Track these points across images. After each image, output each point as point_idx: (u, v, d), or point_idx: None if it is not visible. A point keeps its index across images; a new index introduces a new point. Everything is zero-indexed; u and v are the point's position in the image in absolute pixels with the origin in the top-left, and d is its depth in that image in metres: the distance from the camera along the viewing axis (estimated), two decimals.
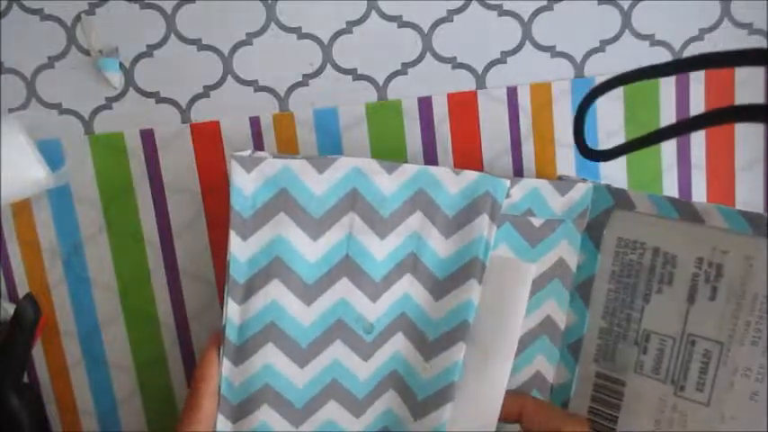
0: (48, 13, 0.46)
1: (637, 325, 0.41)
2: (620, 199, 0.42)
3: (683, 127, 0.28)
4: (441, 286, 0.41)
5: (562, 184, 0.43)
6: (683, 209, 0.40)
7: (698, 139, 0.49)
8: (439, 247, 0.41)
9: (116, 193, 0.48)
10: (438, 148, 0.49)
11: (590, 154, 0.40)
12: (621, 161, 0.49)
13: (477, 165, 0.49)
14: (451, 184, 0.40)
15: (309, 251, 0.40)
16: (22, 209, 0.48)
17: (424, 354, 0.41)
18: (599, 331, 0.43)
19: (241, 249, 0.39)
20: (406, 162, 0.41)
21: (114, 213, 0.48)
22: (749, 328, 0.37)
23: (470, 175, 0.40)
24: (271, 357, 0.39)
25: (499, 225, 0.42)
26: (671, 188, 0.49)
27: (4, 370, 0.44)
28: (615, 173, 0.49)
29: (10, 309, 0.46)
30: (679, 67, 0.30)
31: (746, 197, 0.49)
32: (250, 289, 0.39)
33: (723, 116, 0.25)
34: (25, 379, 0.49)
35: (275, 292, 0.39)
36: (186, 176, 0.48)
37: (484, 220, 0.40)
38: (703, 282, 0.39)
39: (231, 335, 0.39)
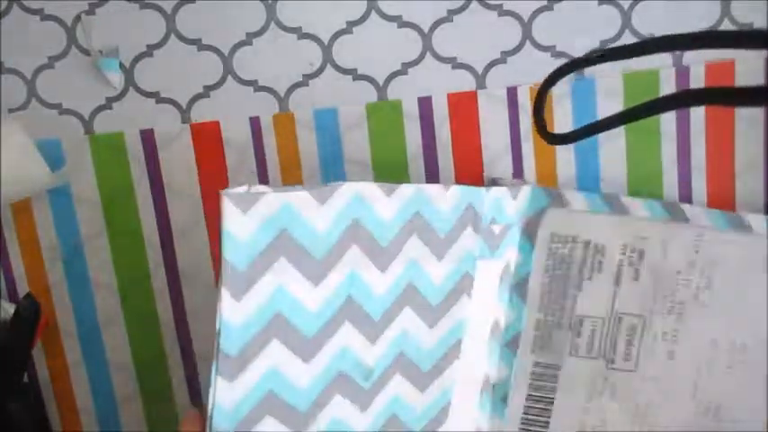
0: (48, 13, 0.46)
1: (570, 312, 0.45)
2: (555, 198, 0.45)
3: (653, 107, 0.28)
4: (435, 312, 0.39)
5: (514, 188, 0.43)
6: (613, 203, 0.45)
7: (698, 138, 0.49)
8: (433, 271, 0.39)
9: (116, 193, 0.48)
10: (438, 148, 0.49)
11: (551, 138, 0.40)
12: (622, 161, 0.49)
13: (477, 165, 0.49)
14: (443, 201, 0.38)
15: (311, 299, 0.34)
16: (22, 209, 0.48)
17: (421, 386, 0.40)
18: (535, 323, 0.45)
19: (235, 313, 0.32)
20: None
21: (114, 213, 0.48)
22: (665, 301, 0.44)
23: (456, 190, 0.38)
24: (269, 430, 0.33)
25: (479, 237, 0.41)
26: (671, 188, 0.49)
27: (4, 370, 0.44)
28: (615, 173, 0.49)
29: (10, 309, 0.46)
30: (652, 46, 0.29)
31: (746, 197, 0.49)
32: (245, 359, 0.32)
33: (688, 98, 0.25)
34: (25, 379, 0.49)
35: (274, 356, 0.33)
36: (186, 176, 0.48)
37: (469, 233, 0.40)
38: (627, 265, 0.44)
39: (222, 422, 0.32)
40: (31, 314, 0.45)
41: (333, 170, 0.49)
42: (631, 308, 0.45)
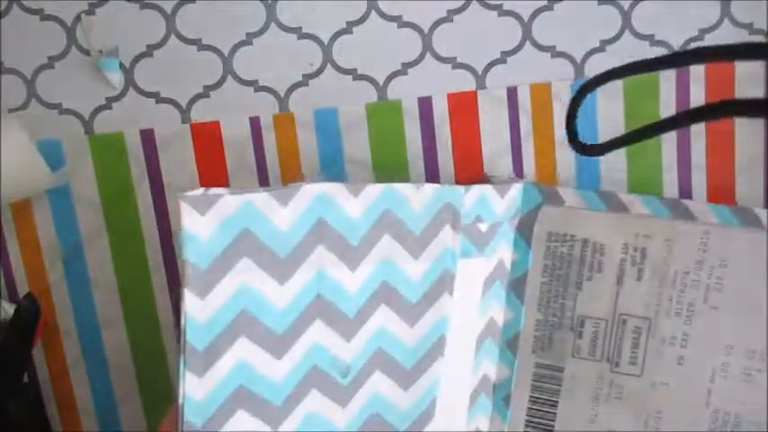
0: (48, 13, 0.46)
1: (571, 312, 0.44)
2: (548, 195, 0.44)
3: (680, 120, 0.28)
4: (415, 310, 0.39)
5: (502, 186, 0.43)
6: (610, 200, 0.43)
7: (698, 139, 0.49)
8: (410, 269, 0.39)
9: (116, 193, 0.48)
10: (438, 148, 0.49)
11: (583, 149, 0.40)
12: (622, 162, 0.49)
13: (477, 165, 0.49)
14: (415, 200, 0.38)
15: (278, 297, 0.34)
16: (22, 209, 0.48)
17: (403, 384, 0.40)
18: (535, 323, 0.45)
19: (200, 310, 0.32)
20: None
21: (114, 213, 0.48)
22: (672, 302, 0.42)
23: (430, 189, 0.38)
24: (242, 424, 0.34)
25: (459, 235, 0.40)
26: (671, 188, 0.49)
27: (4, 370, 0.44)
28: (615, 174, 0.49)
29: (10, 309, 0.46)
30: (673, 61, 0.30)
31: (746, 197, 0.49)
32: (213, 355, 0.33)
33: (721, 109, 0.25)
34: (25, 379, 0.49)
35: (242, 351, 0.33)
36: (186, 176, 0.48)
37: (447, 231, 0.39)
38: (630, 265, 0.43)
39: (192, 417, 0.32)
40: (31, 314, 0.45)
41: (333, 170, 0.49)
42: (636, 309, 0.43)
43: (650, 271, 0.43)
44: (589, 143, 0.42)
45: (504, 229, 0.43)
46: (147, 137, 0.48)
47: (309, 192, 0.35)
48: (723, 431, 0.42)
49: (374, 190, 0.37)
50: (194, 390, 0.32)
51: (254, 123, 0.48)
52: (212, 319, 0.32)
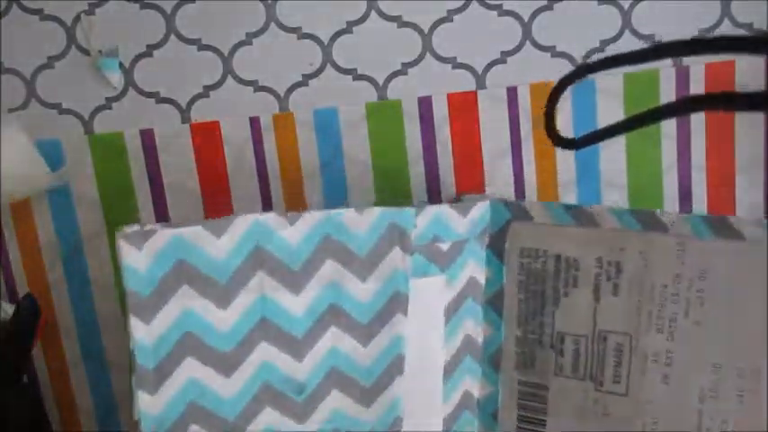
0: (48, 13, 0.46)
1: (550, 329, 0.43)
2: (517, 211, 0.44)
3: (659, 113, 0.27)
4: (367, 331, 0.40)
5: (462, 205, 0.43)
6: (578, 214, 0.42)
7: (698, 139, 0.49)
8: (358, 291, 0.40)
9: (116, 193, 0.48)
10: (438, 148, 0.49)
11: (562, 142, 0.40)
12: (622, 161, 0.49)
13: (478, 165, 0.49)
14: (357, 224, 0.39)
15: (220, 320, 0.37)
16: (22, 209, 0.48)
17: (364, 402, 0.41)
18: (515, 340, 0.44)
19: (146, 334, 0.35)
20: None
21: (114, 213, 0.48)
22: (652, 317, 0.41)
23: (374, 212, 0.40)
24: None
25: (411, 256, 0.41)
26: (671, 188, 0.49)
27: (4, 370, 0.44)
28: (616, 174, 0.49)
29: (10, 309, 0.46)
30: (656, 52, 0.29)
31: (746, 197, 0.49)
32: (162, 374, 0.36)
33: (721, 100, 0.24)
34: (25, 379, 0.49)
35: (191, 370, 0.36)
36: (186, 176, 0.48)
37: (396, 253, 0.40)
38: (605, 280, 0.42)
39: (149, 429, 0.35)
40: (30, 314, 0.45)
41: (333, 170, 0.49)
42: (615, 325, 0.42)
43: (627, 285, 0.41)
44: (568, 136, 0.41)
45: (471, 246, 0.44)
46: (147, 137, 0.48)
47: (243, 222, 0.37)
48: None
49: (311, 218, 0.38)
50: (149, 407, 0.35)
51: (254, 123, 0.48)
52: (159, 341, 0.36)
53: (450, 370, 0.44)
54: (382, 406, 0.41)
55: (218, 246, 0.37)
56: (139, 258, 0.35)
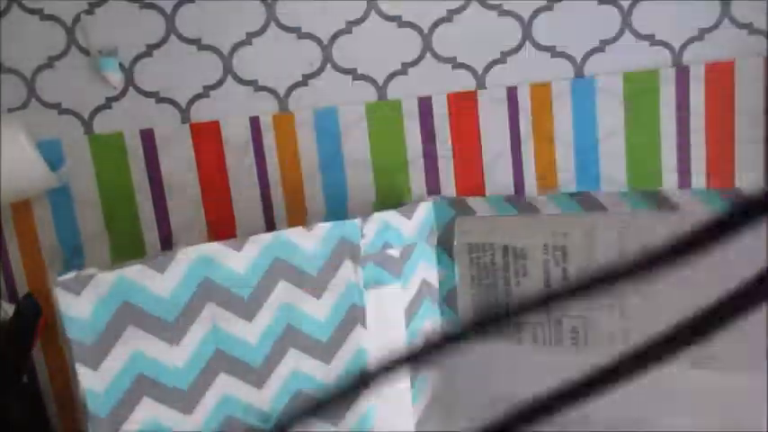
0: (48, 13, 0.46)
1: (506, 320, 0.44)
2: (460, 208, 0.44)
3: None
4: (328, 348, 0.40)
5: (406, 208, 0.43)
6: (520, 204, 0.43)
7: (698, 138, 0.49)
8: (313, 310, 0.40)
9: (116, 193, 0.48)
10: (438, 148, 0.49)
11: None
12: (622, 161, 0.49)
13: (478, 165, 0.49)
14: (305, 242, 0.39)
15: (173, 357, 0.36)
16: (22, 209, 0.48)
17: (333, 420, 0.41)
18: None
19: (95, 381, 0.34)
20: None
21: (114, 213, 0.48)
22: (602, 298, 0.41)
23: (322, 228, 0.40)
24: None
25: (363, 266, 0.41)
26: (671, 188, 0.49)
27: (4, 370, 0.44)
28: (615, 174, 0.49)
29: (10, 309, 0.46)
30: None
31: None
32: (118, 419, 0.35)
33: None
34: (25, 379, 0.49)
35: (149, 412, 0.36)
36: (186, 176, 0.48)
37: (347, 266, 0.40)
38: (554, 265, 0.43)
39: None
40: (30, 314, 0.45)
41: (332, 170, 0.49)
42: (568, 308, 0.42)
43: (574, 268, 0.42)
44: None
45: (421, 248, 0.44)
46: (147, 137, 0.48)
47: (186, 256, 0.36)
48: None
49: (259, 240, 0.38)
50: None
51: (254, 123, 0.48)
52: (110, 386, 0.35)
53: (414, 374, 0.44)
54: (352, 421, 0.41)
55: (162, 282, 0.36)
56: (80, 305, 0.35)
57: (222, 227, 0.48)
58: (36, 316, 0.46)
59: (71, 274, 0.34)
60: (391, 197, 0.49)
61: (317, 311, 0.40)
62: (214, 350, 0.38)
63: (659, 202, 0.41)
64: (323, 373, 0.40)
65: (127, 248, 0.48)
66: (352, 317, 0.40)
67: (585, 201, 0.42)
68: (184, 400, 0.37)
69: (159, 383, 0.36)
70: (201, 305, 0.37)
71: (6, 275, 0.48)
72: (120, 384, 0.35)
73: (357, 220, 0.40)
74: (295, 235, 0.39)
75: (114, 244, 0.48)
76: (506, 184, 0.49)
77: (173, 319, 0.36)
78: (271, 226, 0.49)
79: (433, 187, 0.49)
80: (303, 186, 0.49)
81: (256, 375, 0.39)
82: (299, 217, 0.49)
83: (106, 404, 0.35)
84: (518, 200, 0.43)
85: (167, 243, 0.49)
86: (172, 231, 0.49)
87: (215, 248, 0.37)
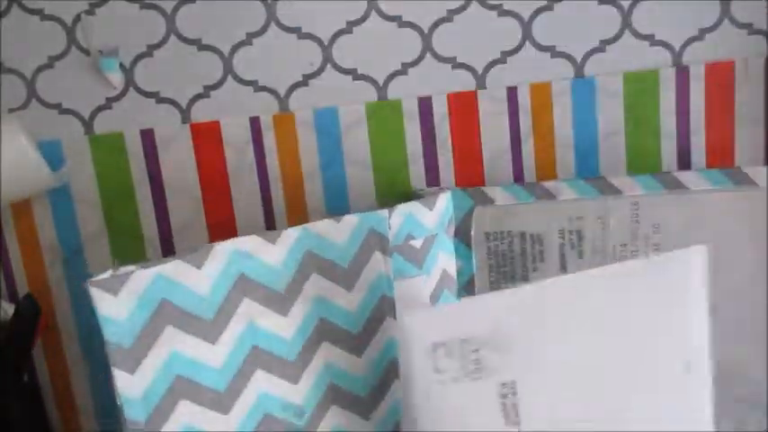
0: (48, 13, 0.46)
1: None
2: (478, 197, 0.45)
3: None
4: (359, 340, 0.40)
5: (429, 199, 0.43)
6: (536, 190, 0.45)
7: (698, 138, 0.49)
8: (345, 302, 0.39)
9: (116, 193, 0.48)
10: (438, 148, 0.49)
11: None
12: (622, 161, 0.49)
13: (477, 165, 0.49)
14: (336, 234, 0.39)
15: (212, 357, 0.35)
16: (22, 209, 0.48)
17: (363, 413, 0.40)
18: None
19: (132, 386, 0.33)
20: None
21: (114, 213, 0.48)
22: None
23: (351, 220, 0.39)
24: None
25: (390, 258, 0.41)
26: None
27: (4, 370, 0.44)
28: (615, 173, 0.49)
29: (10, 309, 0.46)
30: None
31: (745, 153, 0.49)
32: (155, 424, 0.33)
33: None
34: (25, 379, 0.49)
35: (186, 415, 0.34)
36: (186, 176, 0.48)
37: (377, 257, 0.40)
38: (569, 248, 0.44)
39: None
40: (31, 314, 0.45)
41: (333, 170, 0.49)
42: None
43: (590, 250, 0.44)
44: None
45: (441, 239, 0.44)
46: (147, 137, 0.48)
47: (223, 250, 0.35)
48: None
49: (292, 234, 0.37)
50: None
51: (254, 123, 0.48)
52: (148, 391, 0.33)
53: None
54: (382, 414, 0.41)
55: (200, 279, 0.35)
56: (117, 305, 0.32)
57: (222, 227, 0.48)
58: (36, 316, 0.46)
59: (107, 273, 0.32)
60: (391, 197, 0.49)
61: (349, 304, 0.40)
62: (251, 347, 0.37)
63: (669, 183, 0.43)
64: (354, 366, 0.40)
65: (127, 248, 0.48)
66: (383, 309, 0.40)
67: (600, 185, 0.44)
68: (222, 399, 0.36)
69: (197, 384, 0.35)
70: (238, 301, 0.36)
71: (6, 275, 0.48)
72: (158, 388, 0.34)
73: (384, 212, 0.40)
74: (325, 227, 0.38)
75: (114, 244, 0.48)
76: (507, 183, 0.49)
77: (211, 317, 0.35)
78: (271, 226, 0.49)
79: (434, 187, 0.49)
80: (303, 186, 0.49)
81: (292, 370, 0.38)
82: (299, 217, 0.49)
83: (144, 409, 0.33)
84: (534, 186, 0.45)
85: (168, 243, 0.49)
86: (172, 231, 0.49)
87: (250, 242, 0.36)
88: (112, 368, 0.32)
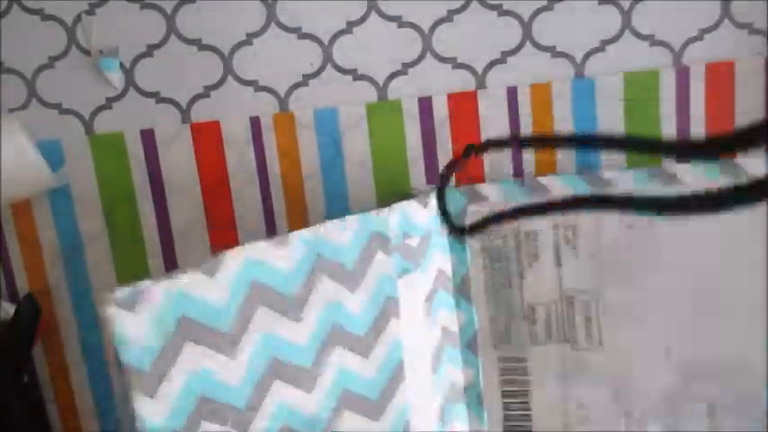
0: (48, 13, 0.46)
1: (520, 302, 0.46)
2: (471, 195, 0.46)
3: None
4: (366, 341, 0.40)
5: (423, 197, 0.43)
6: (530, 185, 0.45)
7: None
8: (352, 304, 0.39)
9: (116, 192, 0.48)
10: (438, 148, 0.49)
11: (455, 230, 0.40)
12: (621, 162, 0.49)
13: (477, 165, 0.49)
14: (341, 236, 0.38)
15: (233, 373, 0.34)
16: (22, 209, 0.48)
17: (373, 416, 0.40)
18: (489, 319, 0.46)
19: (153, 410, 0.31)
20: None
21: (114, 213, 0.48)
22: (612, 270, 0.44)
23: (354, 221, 0.39)
24: None
25: (391, 257, 0.41)
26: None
27: (4, 370, 0.44)
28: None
29: (10, 309, 0.46)
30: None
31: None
32: None
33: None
34: (25, 379, 0.49)
35: None
36: (186, 176, 0.48)
37: (380, 258, 0.40)
38: (564, 245, 0.45)
39: None
40: (31, 314, 0.45)
41: (333, 170, 0.49)
42: (580, 285, 0.45)
43: (584, 246, 0.45)
44: (462, 225, 0.43)
45: (435, 238, 0.44)
46: (147, 137, 0.48)
47: (234, 258, 0.34)
48: (689, 378, 0.44)
49: (300, 237, 0.36)
50: None
51: (254, 123, 0.48)
52: (171, 414, 0.31)
53: (435, 364, 0.44)
54: (392, 415, 0.41)
55: (213, 289, 0.33)
56: (135, 324, 0.30)
57: (222, 227, 0.48)
58: (36, 316, 0.46)
59: (124, 289, 0.30)
60: (391, 197, 0.49)
61: (354, 306, 0.39)
62: (269, 357, 0.35)
63: (661, 177, 0.44)
64: (363, 368, 0.39)
65: (127, 248, 0.48)
66: (388, 309, 0.40)
67: (595, 179, 0.45)
68: (243, 415, 0.34)
69: (221, 403, 0.33)
70: (254, 309, 0.35)
71: (6, 275, 0.48)
72: (181, 410, 0.32)
73: (385, 211, 0.40)
74: (331, 229, 0.38)
75: (114, 244, 0.48)
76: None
77: (228, 329, 0.33)
78: (271, 226, 0.49)
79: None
80: (303, 186, 0.49)
81: (308, 378, 0.37)
82: (299, 217, 0.49)
83: None
84: (529, 181, 0.45)
85: (168, 243, 0.49)
86: (172, 231, 0.49)
87: (261, 248, 0.35)
88: (133, 392, 0.30)
